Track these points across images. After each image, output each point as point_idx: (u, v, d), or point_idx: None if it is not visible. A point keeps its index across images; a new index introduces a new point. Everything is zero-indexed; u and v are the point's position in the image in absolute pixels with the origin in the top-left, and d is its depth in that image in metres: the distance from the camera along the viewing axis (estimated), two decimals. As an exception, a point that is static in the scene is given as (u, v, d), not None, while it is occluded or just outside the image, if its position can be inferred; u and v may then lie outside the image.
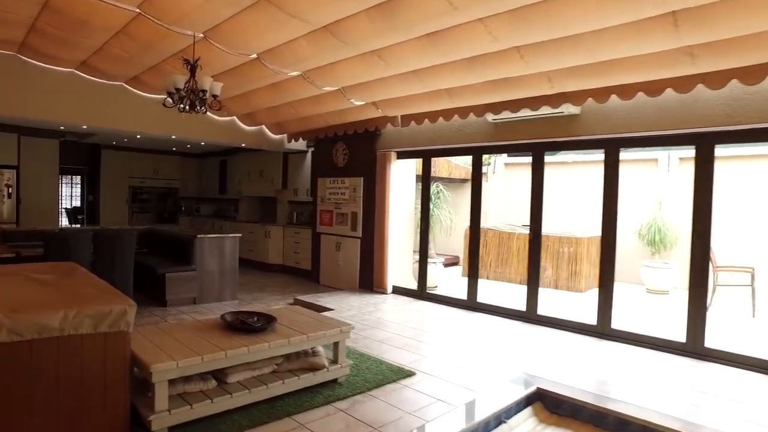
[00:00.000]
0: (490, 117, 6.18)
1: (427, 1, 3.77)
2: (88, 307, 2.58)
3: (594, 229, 9.68)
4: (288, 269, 9.64)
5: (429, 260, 8.42)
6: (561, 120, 5.66)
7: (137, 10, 4.49)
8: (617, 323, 5.44)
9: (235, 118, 8.29)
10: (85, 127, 7.14)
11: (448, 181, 11.10)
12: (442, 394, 3.78)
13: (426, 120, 6.68)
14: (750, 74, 4.06)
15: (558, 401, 4.04)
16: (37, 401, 2.45)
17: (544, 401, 4.15)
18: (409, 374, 4.16)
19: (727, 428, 3.28)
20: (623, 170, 10.06)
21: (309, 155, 9.58)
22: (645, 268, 8.87)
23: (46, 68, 6.40)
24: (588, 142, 5.66)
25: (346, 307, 6.57)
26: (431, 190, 8.83)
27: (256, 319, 3.71)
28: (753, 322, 6.52)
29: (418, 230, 8.69)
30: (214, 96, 4.92)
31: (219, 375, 3.26)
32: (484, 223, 11.05)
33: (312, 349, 3.78)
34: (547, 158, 11.61)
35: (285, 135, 8.97)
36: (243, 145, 8.90)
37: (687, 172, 9.02)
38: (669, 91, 4.58)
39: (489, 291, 6.75)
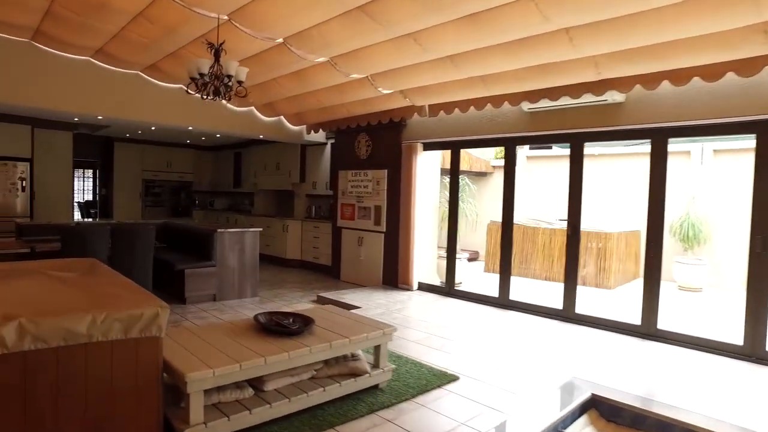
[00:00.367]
0: (526, 106, 5.87)
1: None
2: (117, 309, 2.32)
3: (624, 223, 9.39)
4: (306, 264, 9.38)
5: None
6: (603, 108, 5.34)
7: (159, -9, 4.22)
8: (662, 323, 5.14)
9: (253, 108, 8.02)
10: (100, 117, 6.89)
11: (469, 174, 10.80)
12: (491, 401, 3.51)
13: (456, 109, 6.38)
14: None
15: (615, 409, 3.76)
16: (64, 414, 2.20)
17: (599, 408, 3.86)
18: (453, 378, 3.89)
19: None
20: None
21: (328, 147, 9.30)
22: (677, 265, 8.54)
23: (61, 56, 6.15)
24: (632, 132, 5.34)
25: (373, 304, 6.30)
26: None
27: (291, 320, 3.44)
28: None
29: (442, 224, 8.43)
30: (240, 82, 4.63)
31: (255, 382, 3.00)
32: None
33: (351, 352, 3.51)
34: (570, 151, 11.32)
35: (304, 126, 8.69)
36: (261, 136, 8.63)
37: (722, 165, 8.67)
38: (728, 76, 4.25)
39: (515, 287, 6.46)
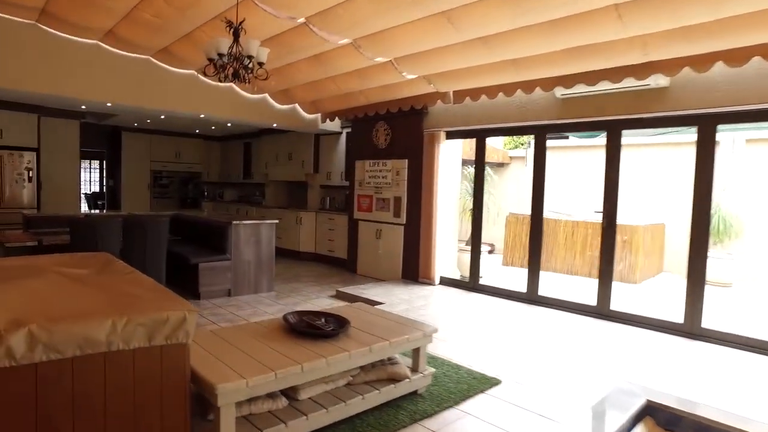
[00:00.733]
0: (559, 92, 5.54)
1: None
2: (139, 313, 2.03)
3: (648, 216, 9.06)
4: (321, 258, 9.09)
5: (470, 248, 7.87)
6: (645, 93, 5.00)
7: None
8: (707, 322, 4.83)
9: (267, 95, 7.71)
10: (109, 104, 6.59)
11: (487, 165, 10.45)
12: (539, 407, 3.22)
13: (483, 96, 6.05)
14: None
15: (674, 417, 3.44)
16: (81, 432, 1.91)
17: (655, 416, 3.57)
18: (495, 382, 3.60)
19: None
20: (677, 153, 9.44)
21: (343, 136, 8.98)
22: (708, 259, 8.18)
23: (69, 40, 5.84)
24: (676, 119, 5.00)
25: (396, 300, 6.01)
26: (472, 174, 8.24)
27: (323, 320, 3.15)
28: None
29: (462, 216, 8.13)
30: (260, 63, 4.32)
31: (288, 391, 2.72)
32: (524, 209, 10.45)
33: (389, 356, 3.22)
34: (593, 141, 10.97)
35: (319, 115, 8.37)
36: (274, 125, 8.32)
37: (756, 154, 8.32)
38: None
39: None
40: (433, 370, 3.40)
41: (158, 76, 6.60)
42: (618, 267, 8.26)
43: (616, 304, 5.49)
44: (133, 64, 6.36)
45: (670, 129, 8.49)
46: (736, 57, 4.12)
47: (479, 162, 6.75)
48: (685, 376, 3.87)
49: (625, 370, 3.92)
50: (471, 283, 6.79)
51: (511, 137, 12.49)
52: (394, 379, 3.13)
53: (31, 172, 8.19)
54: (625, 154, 9.77)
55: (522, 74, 5.32)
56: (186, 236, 7.04)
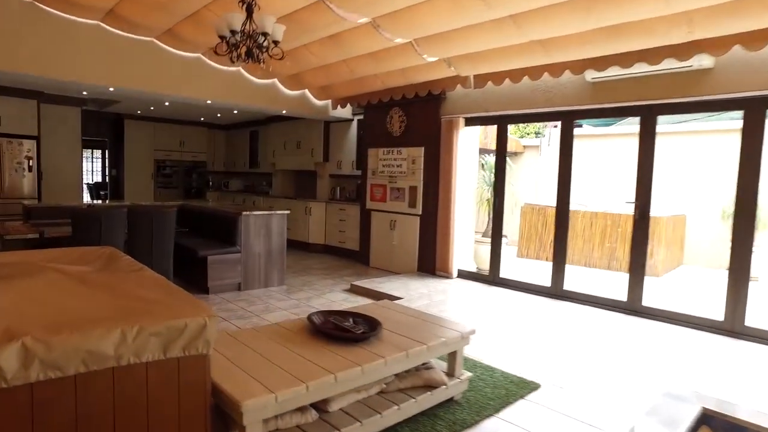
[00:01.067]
0: (590, 75, 5.21)
1: None
2: (152, 320, 1.74)
3: (671, 207, 8.74)
4: (331, 249, 8.80)
5: (487, 240, 7.58)
6: (686, 76, 4.66)
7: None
8: (750, 319, 4.54)
9: (276, 80, 7.37)
10: (111, 89, 6.27)
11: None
12: (586, 415, 2.93)
13: (507, 80, 5.72)
14: None
15: (734, 428, 3.18)
16: (86, 460, 1.63)
17: (711, 425, 3.29)
18: (534, 387, 3.31)
19: None
20: (697, 141, 9.10)
21: (354, 124, 8.65)
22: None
23: (68, 19, 5.52)
24: (719, 103, 4.66)
25: (415, 295, 5.72)
26: (490, 163, 7.93)
27: (351, 321, 2.86)
28: None
29: (480, 207, 7.83)
30: (275, 42, 4.00)
31: (318, 402, 2.42)
32: (540, 200, 10.14)
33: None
34: (607, 130, 10.63)
35: (329, 101, 8.04)
36: (283, 111, 7.99)
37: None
38: None
39: (548, 273, 5.90)
40: (470, 374, 3.11)
41: (162, 60, 6.27)
42: (651, 261, 7.96)
43: (647, 300, 5.20)
44: (136, 47, 6.03)
45: (702, 115, 8.15)
46: (795, 33, 3.79)
47: (500, 150, 6.43)
48: (734, 379, 3.58)
49: (669, 372, 3.64)
50: (491, 277, 6.49)
51: (517, 126, 12.13)
52: (430, 386, 2.84)
53: (31, 161, 7.89)
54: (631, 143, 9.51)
55: (551, 56, 4.99)
56: (193, 228, 6.75)
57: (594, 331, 4.64)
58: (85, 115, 9.22)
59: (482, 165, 7.90)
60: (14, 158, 7.75)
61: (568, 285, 5.82)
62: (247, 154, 11.63)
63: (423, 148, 6.88)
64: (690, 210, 8.97)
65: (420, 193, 6.93)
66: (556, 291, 5.82)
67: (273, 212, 6.18)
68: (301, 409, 2.32)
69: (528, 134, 12.86)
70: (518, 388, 3.27)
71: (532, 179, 11.11)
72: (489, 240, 7.60)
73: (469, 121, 6.59)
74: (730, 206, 8.10)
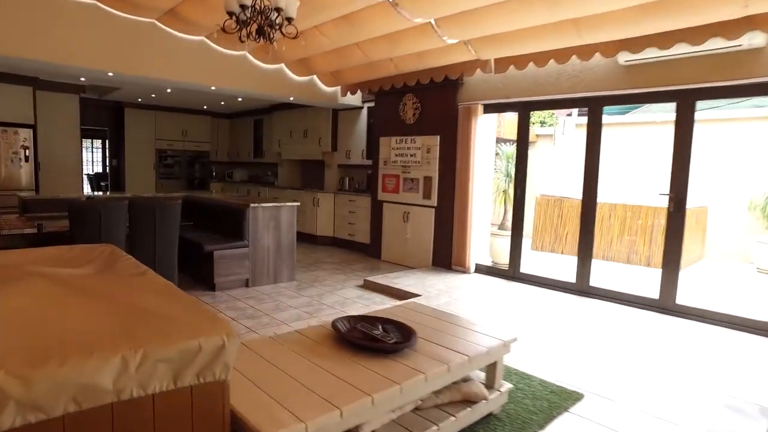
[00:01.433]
0: (622, 57, 4.86)
1: None
2: (161, 341, 1.43)
3: (695, 199, 8.40)
4: (340, 242, 8.49)
5: (505, 233, 7.27)
6: (732, 57, 4.31)
7: None
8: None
9: (283, 65, 7.02)
10: (110, 74, 5.92)
11: (513, 143, 9.79)
12: (637, 430, 2.63)
13: (531, 64, 5.38)
14: None
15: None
16: None
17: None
18: (577, 397, 3.01)
19: None
20: (722, 129, 8.74)
21: (364, 111, 8.30)
22: (760, 245, 7.57)
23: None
24: (768, 85, 4.32)
25: (432, 291, 5.42)
26: (506, 152, 7.60)
27: (381, 328, 2.55)
28: None
29: (496, 198, 7.51)
30: (289, 19, 3.66)
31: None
32: (555, 190, 9.81)
33: (461, 372, 2.62)
34: (623, 118, 10.26)
35: (339, 87, 7.69)
36: (291, 99, 7.64)
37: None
38: None
39: (571, 267, 5.58)
40: (510, 386, 2.81)
41: (164, 43, 5.92)
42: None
43: (681, 298, 4.90)
44: (136, 29, 5.69)
45: (738, 100, 7.80)
46: None
47: (522, 138, 6.09)
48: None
49: (722, 380, 3.34)
50: (511, 272, 6.18)
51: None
52: (469, 401, 2.54)
53: (27, 150, 7.56)
54: (661, 132, 9.17)
55: (583, 37, 4.63)
56: (197, 221, 6.44)
57: (628, 331, 4.34)
58: (84, 103, 8.88)
59: (499, 154, 7.57)
60: (10, 148, 7.42)
61: (594, 281, 5.52)
62: (251, 144, 11.29)
63: (438, 137, 6.54)
64: (713, 202, 8.64)
65: (435, 183, 6.60)
66: (581, 287, 5.51)
67: (282, 204, 5.87)
68: (331, 434, 2.02)
69: (533, 123, 12.47)
70: (560, 399, 2.97)
71: (545, 169, 10.78)
72: (505, 233, 7.29)
73: (488, 108, 6.25)
74: (758, 198, 7.78)
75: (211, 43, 6.24)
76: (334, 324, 2.55)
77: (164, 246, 4.75)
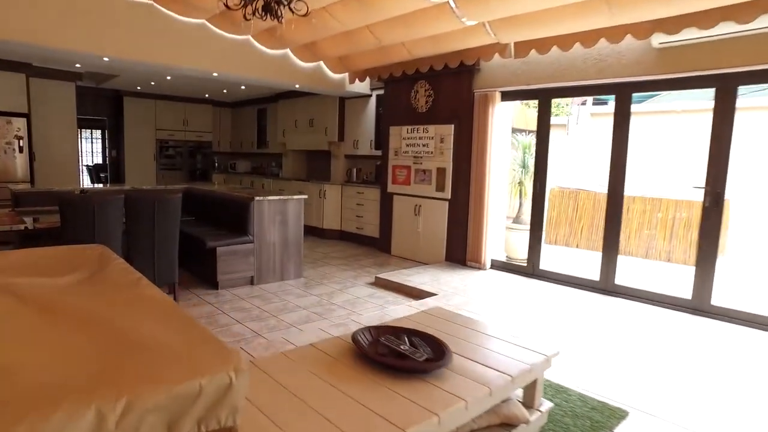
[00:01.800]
0: (656, 39, 4.50)
1: None
2: (150, 385, 1.11)
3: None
4: (347, 236, 8.17)
5: (521, 227, 6.96)
6: (782, 36, 3.96)
7: None
8: None
9: (288, 51, 6.66)
10: (106, 59, 5.58)
11: (528, 133, 9.44)
12: (700, 461, 2.33)
13: (554, 47, 5.02)
14: None
15: None
16: None
17: None
18: (621, 415, 2.71)
19: None
20: (747, 119, 8.37)
21: (373, 100, 7.95)
22: (787, 239, 7.24)
23: (55, -23, 4.82)
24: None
25: (448, 290, 5.11)
26: (523, 142, 7.28)
27: (408, 342, 2.23)
28: None
29: (512, 190, 7.20)
30: (298, -5, 3.32)
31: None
32: (569, 182, 9.47)
33: (498, 391, 2.31)
34: (639, 108, 9.88)
35: (347, 74, 7.33)
36: (296, 86, 7.30)
37: None
38: None
39: (590, 262, 5.26)
40: (550, 404, 2.50)
41: (163, 26, 5.58)
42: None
43: (716, 299, 4.57)
44: (133, 11, 5.35)
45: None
46: None
47: (543, 128, 5.73)
48: None
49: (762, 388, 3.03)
50: (530, 268, 5.86)
51: (527, 103, 11.27)
52: (509, 424, 2.23)
53: (21, 141, 7.23)
54: (669, 121, 8.81)
55: (614, 17, 4.28)
56: (199, 214, 6.13)
57: (663, 335, 4.02)
58: (81, 91, 8.54)
59: (515, 145, 7.24)
60: (3, 138, 7.09)
61: (619, 279, 5.20)
62: (255, 134, 10.95)
63: (452, 126, 6.20)
64: (732, 195, 8.28)
65: (449, 175, 6.27)
66: (606, 286, 5.19)
67: (289, 197, 5.55)
68: (357, 474, 1.71)
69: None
70: (604, 417, 2.66)
71: (559, 160, 10.42)
72: (520, 227, 6.98)
73: (506, 96, 5.89)
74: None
75: (213, 27, 5.90)
76: (354, 337, 2.23)
77: (164, 242, 4.43)
